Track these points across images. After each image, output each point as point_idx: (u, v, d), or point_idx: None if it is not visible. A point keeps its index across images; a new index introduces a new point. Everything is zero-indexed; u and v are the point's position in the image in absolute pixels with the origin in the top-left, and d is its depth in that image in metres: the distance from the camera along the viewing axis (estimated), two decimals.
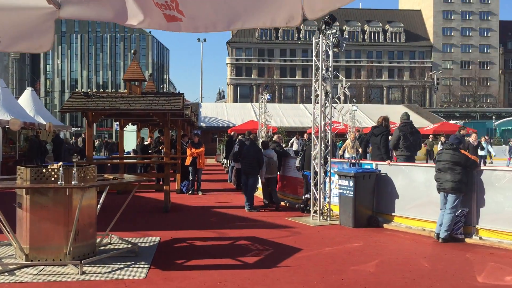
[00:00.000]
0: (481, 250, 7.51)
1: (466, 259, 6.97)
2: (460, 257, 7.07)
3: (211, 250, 7.50)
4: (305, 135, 19.89)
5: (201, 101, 59.36)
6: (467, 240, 8.06)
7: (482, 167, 8.46)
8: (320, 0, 3.17)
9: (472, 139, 15.48)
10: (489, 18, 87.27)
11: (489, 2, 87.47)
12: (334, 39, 10.06)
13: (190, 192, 14.61)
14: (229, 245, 7.84)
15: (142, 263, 6.52)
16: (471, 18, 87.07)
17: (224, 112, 48.44)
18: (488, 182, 8.11)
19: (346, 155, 17.79)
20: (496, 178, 8.09)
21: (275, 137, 14.34)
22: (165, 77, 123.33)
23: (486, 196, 8.10)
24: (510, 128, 50.53)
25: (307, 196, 11.05)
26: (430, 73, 79.47)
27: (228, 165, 20.31)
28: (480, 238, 8.03)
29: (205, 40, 61.54)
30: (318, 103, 10.37)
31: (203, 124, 44.11)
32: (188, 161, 14.57)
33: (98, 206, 7.26)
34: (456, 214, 8.05)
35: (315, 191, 10.31)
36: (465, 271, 6.30)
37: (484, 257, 7.04)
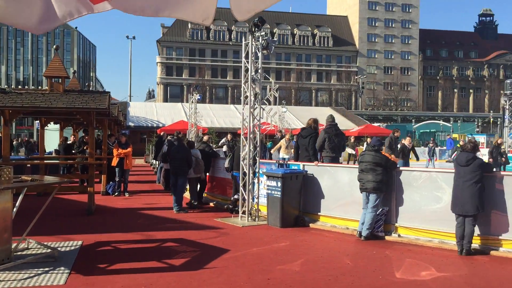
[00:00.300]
0: (400, 247, 7.89)
1: (386, 255, 7.29)
2: (381, 254, 7.38)
3: (136, 253, 7.31)
4: (229, 135, 19.87)
5: (130, 100, 57.87)
6: (387, 237, 8.44)
7: (401, 168, 8.90)
8: (247, 1, 3.19)
9: (407, 142, 16.26)
10: (410, 26, 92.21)
11: (410, 11, 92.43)
12: (263, 41, 10.16)
13: (116, 193, 14.17)
14: (155, 248, 7.69)
15: (62, 268, 6.23)
16: (393, 25, 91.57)
17: (154, 111, 47.55)
18: (407, 182, 8.55)
19: (280, 155, 18.04)
20: (414, 178, 8.54)
21: (205, 137, 14.27)
22: (91, 74, 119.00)
23: (404, 196, 8.53)
24: (428, 131, 53.63)
25: (236, 196, 11.08)
26: (356, 77, 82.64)
27: (157, 166, 19.94)
28: (399, 235, 8.44)
29: (134, 37, 60.05)
30: (247, 104, 10.44)
31: (131, 124, 43.02)
32: (114, 161, 14.14)
33: (14, 209, 6.84)
34: (377, 213, 8.41)
35: (243, 192, 10.37)
36: (385, 267, 6.59)
37: (402, 254, 7.40)
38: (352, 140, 23.83)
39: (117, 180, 14.29)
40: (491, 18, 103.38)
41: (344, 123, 44.83)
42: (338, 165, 10.30)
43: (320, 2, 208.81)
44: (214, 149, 14.81)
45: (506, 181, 7.53)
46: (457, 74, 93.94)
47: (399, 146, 15.99)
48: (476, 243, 7.51)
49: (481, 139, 42.84)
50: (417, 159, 18.06)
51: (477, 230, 7.49)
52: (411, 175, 8.63)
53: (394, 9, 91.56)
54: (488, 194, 7.48)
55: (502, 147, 20.33)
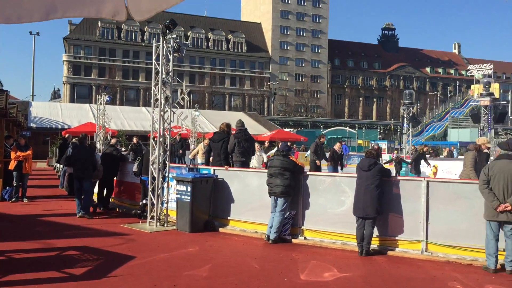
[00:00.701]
0: (306, 249, 8.13)
1: (292, 258, 7.48)
2: (287, 256, 7.56)
3: (34, 263, 6.86)
4: (134, 139, 19.30)
5: (32, 100, 54.42)
6: (294, 240, 8.67)
7: (308, 173, 9.19)
8: (145, 1, 3.10)
9: (337, 147, 16.81)
10: (319, 36, 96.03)
11: (320, 21, 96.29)
12: (175, 44, 10.03)
13: (13, 199, 13.22)
14: (55, 257, 7.26)
15: None
16: (304, 35, 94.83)
17: (59, 112, 45.09)
18: (313, 186, 8.84)
19: (198, 160, 17.85)
20: (320, 182, 8.87)
21: (112, 140, 13.77)
22: None
23: (311, 199, 8.81)
24: (335, 136, 56.07)
25: (144, 201, 10.80)
26: (269, 83, 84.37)
27: (60, 169, 18.89)
28: (305, 238, 8.70)
29: (38, 33, 56.67)
30: (157, 107, 10.23)
31: (33, 125, 40.45)
32: (12, 165, 13.19)
33: None
34: (285, 216, 8.61)
35: (152, 197, 10.13)
36: (290, 269, 6.75)
37: (308, 256, 7.63)
38: (266, 145, 24.30)
39: (14, 185, 13.33)
40: (393, 32, 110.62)
41: (256, 128, 45.59)
42: (248, 169, 10.41)
43: (234, 8, 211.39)
44: (123, 153, 14.34)
45: (402, 186, 8.06)
46: (362, 84, 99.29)
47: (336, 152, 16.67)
48: (375, 244, 7.94)
49: (383, 145, 45.68)
50: (342, 166, 18.74)
51: (376, 232, 7.93)
52: (317, 179, 8.95)
53: (305, 19, 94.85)
54: (386, 198, 7.96)
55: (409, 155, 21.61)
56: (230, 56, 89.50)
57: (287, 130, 49.01)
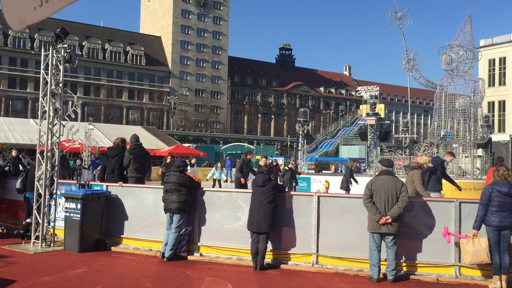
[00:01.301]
0: (201, 265, 8.07)
1: (186, 275, 7.38)
2: (182, 274, 7.44)
3: None
4: (13, 152, 17.66)
5: None
6: (189, 257, 8.57)
7: (204, 189, 9.16)
8: (19, 11, 2.94)
9: (262, 163, 16.72)
10: (220, 53, 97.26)
11: (220, 38, 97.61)
12: (66, 54, 9.55)
13: None
14: None
15: None
16: (205, 50, 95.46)
17: None
18: (210, 202, 8.84)
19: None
20: (217, 198, 8.89)
21: None
22: None
23: (207, 215, 8.79)
24: (234, 152, 56.74)
25: (28, 220, 10.04)
26: (168, 97, 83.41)
27: None
28: (201, 254, 8.64)
29: None
30: (45, 119, 9.62)
31: None
32: None
33: None
34: (181, 233, 8.49)
35: (37, 215, 9.45)
36: (184, 287, 6.64)
37: (203, 272, 7.58)
38: (168, 160, 23.85)
39: None
40: (290, 52, 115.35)
41: (155, 143, 44.66)
42: (143, 185, 10.14)
43: (133, 20, 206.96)
44: (4, 168, 13.26)
45: (295, 201, 8.35)
46: (261, 101, 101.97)
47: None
48: (269, 258, 8.11)
49: (280, 161, 47.04)
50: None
51: (270, 246, 8.11)
52: (214, 195, 8.97)
53: (205, 35, 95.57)
54: (280, 213, 8.19)
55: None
56: (129, 69, 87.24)
57: (186, 145, 48.66)
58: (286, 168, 20.43)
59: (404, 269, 7.62)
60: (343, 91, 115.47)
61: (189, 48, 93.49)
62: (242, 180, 15.36)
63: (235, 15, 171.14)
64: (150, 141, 42.87)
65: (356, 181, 18.50)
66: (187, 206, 8.52)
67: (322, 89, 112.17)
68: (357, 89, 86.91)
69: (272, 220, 7.89)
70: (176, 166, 8.92)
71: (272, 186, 8.08)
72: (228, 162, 29.23)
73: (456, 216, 7.55)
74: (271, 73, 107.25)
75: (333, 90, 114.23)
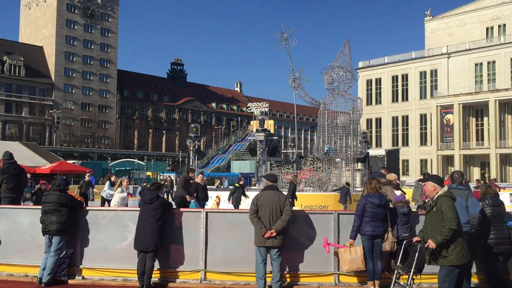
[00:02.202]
0: None
1: None
2: None
3: None
4: None
5: None
6: (70, 281, 8.09)
7: (88, 208, 8.75)
8: None
9: (199, 180, 15.91)
10: (108, 66, 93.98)
11: (109, 51, 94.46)
12: None
13: None
14: None
15: None
16: (92, 63, 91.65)
17: None
18: (94, 222, 8.45)
19: None
20: (101, 217, 8.53)
21: None
22: None
23: (91, 236, 8.39)
24: (123, 168, 54.88)
25: None
26: (51, 111, 78.50)
27: None
28: (83, 277, 8.21)
29: None
30: None
31: None
32: None
33: None
34: (61, 256, 8.01)
35: None
36: None
37: None
38: (87, 178, 21.77)
39: None
40: (182, 67, 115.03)
41: (35, 160, 41.60)
42: (18, 206, 9.41)
43: (11, 28, 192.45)
44: None
45: (184, 217, 8.31)
46: (152, 116, 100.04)
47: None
48: (156, 277, 7.95)
49: (172, 176, 46.43)
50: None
51: (157, 264, 7.96)
52: (98, 214, 8.60)
53: (93, 47, 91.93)
54: (168, 230, 8.08)
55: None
56: (6, 80, 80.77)
57: (71, 161, 46.03)
58: (237, 185, 19.90)
59: (288, 280, 7.91)
60: (235, 107, 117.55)
61: (74, 59, 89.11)
62: (188, 198, 14.23)
63: (124, 27, 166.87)
64: (29, 158, 39.87)
65: (246, 196, 18.89)
66: (68, 227, 8.07)
67: (214, 104, 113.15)
68: (248, 105, 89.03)
69: (159, 238, 7.76)
70: (56, 185, 8.41)
71: (160, 204, 7.97)
72: (92, 178, 26.24)
73: (335, 227, 8.04)
74: (162, 88, 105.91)
75: (224, 106, 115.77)
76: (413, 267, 6.31)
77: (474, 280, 7.85)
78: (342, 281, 7.97)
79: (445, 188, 6.24)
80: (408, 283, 6.34)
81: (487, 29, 65.40)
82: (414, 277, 6.47)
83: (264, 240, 7.36)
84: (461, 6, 69.13)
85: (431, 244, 5.95)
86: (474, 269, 7.68)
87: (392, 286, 6.44)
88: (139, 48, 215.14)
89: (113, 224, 8.44)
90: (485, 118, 59.48)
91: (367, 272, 7.53)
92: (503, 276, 7.65)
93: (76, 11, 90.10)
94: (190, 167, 30.75)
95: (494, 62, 61.10)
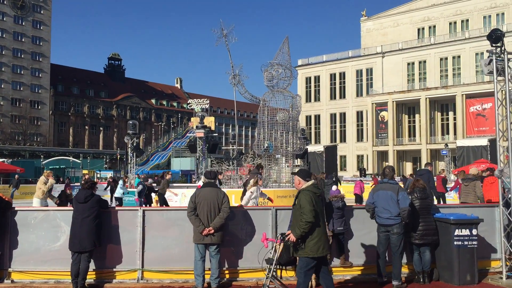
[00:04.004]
0: None
1: None
2: None
3: None
4: None
5: None
6: None
7: (17, 208, 8.35)
8: None
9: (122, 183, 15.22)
10: (40, 60, 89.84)
11: (41, 44, 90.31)
12: None
13: None
14: None
15: None
16: (23, 56, 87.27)
17: None
18: (24, 223, 8.07)
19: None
20: (32, 217, 8.15)
21: None
22: None
23: (20, 237, 8.01)
24: (58, 167, 52.75)
25: None
26: None
27: None
28: (12, 281, 7.84)
29: None
30: None
31: None
32: None
33: None
34: None
35: None
36: None
37: None
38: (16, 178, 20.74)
39: None
40: (119, 62, 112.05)
41: None
42: None
43: None
44: None
45: (120, 216, 8.11)
46: (88, 112, 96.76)
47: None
48: (91, 278, 7.73)
49: (108, 174, 45.23)
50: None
51: (93, 265, 7.73)
52: (29, 214, 8.22)
53: (23, 40, 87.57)
54: (104, 229, 7.86)
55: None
56: None
57: (0, 160, 43.68)
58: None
59: (227, 276, 7.94)
60: (175, 104, 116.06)
61: (3, 53, 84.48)
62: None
63: (58, 20, 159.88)
64: None
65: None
66: None
67: (153, 101, 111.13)
68: (188, 102, 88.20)
69: (97, 237, 7.55)
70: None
71: (95, 202, 7.74)
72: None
73: (273, 222, 8.14)
74: (99, 83, 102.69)
75: (164, 102, 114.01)
76: (274, 261, 6.47)
77: (404, 270, 8.23)
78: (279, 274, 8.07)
79: (309, 182, 6.34)
80: (269, 276, 6.46)
81: (418, 30, 68.49)
82: (279, 270, 6.63)
83: (203, 237, 7.33)
84: (394, 7, 71.97)
85: (291, 237, 6.14)
86: (404, 260, 8.05)
87: (265, 280, 6.60)
88: (74, 42, 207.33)
89: (45, 224, 8.10)
90: (417, 115, 62.33)
91: None
92: (431, 265, 8.07)
93: (5, 2, 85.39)
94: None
95: (425, 61, 64.14)
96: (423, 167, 57.97)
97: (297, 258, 6.28)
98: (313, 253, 6.04)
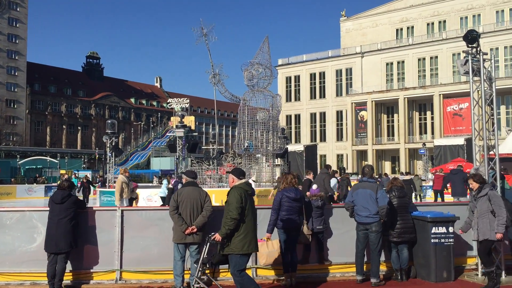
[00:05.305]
0: None
1: None
2: None
3: None
4: None
5: None
6: None
7: None
8: None
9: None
10: (16, 58, 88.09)
11: (17, 42, 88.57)
12: None
13: None
14: None
15: None
16: None
17: None
18: None
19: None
20: (7, 218, 8.00)
21: None
22: None
23: None
24: (35, 167, 51.87)
25: None
26: None
27: None
28: None
29: None
30: None
31: None
32: None
33: None
34: None
35: None
36: None
37: None
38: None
39: None
40: (98, 61, 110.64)
41: None
42: None
43: None
44: None
45: (98, 216, 8.01)
46: (66, 111, 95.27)
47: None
48: (68, 279, 7.62)
49: (88, 174, 44.61)
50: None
51: (70, 266, 7.62)
52: (4, 215, 8.06)
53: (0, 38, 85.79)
54: (82, 230, 7.76)
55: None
56: None
57: None
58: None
59: (209, 274, 7.90)
60: (155, 103, 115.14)
61: None
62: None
63: (35, 17, 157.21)
64: None
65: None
66: None
67: (132, 100, 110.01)
68: (168, 101, 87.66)
69: (73, 239, 7.45)
70: None
71: (72, 202, 7.64)
72: None
73: None
74: (77, 82, 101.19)
75: (144, 102, 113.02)
76: (201, 261, 6.57)
77: (383, 267, 8.31)
78: (259, 274, 8.10)
79: (242, 181, 6.38)
80: (197, 276, 6.59)
81: (397, 30, 69.32)
82: (208, 270, 6.80)
83: (184, 237, 7.27)
84: (373, 8, 72.69)
85: (217, 237, 6.20)
86: (382, 258, 8.14)
87: (194, 279, 6.72)
88: (51, 40, 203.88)
89: (21, 225, 7.95)
90: (395, 115, 63.09)
91: (283, 264, 7.71)
92: (408, 263, 8.17)
93: None
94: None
95: (403, 62, 64.93)
96: (401, 166, 58.74)
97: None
98: (238, 250, 6.06)
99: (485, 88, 8.49)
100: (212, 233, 6.53)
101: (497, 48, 56.60)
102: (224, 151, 52.91)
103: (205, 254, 6.62)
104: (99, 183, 31.24)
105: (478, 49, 8.44)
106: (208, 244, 6.62)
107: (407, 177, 22.84)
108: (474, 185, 7.79)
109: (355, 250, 7.98)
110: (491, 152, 8.71)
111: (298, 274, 7.80)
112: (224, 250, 6.16)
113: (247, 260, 6.22)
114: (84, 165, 62.09)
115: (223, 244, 6.14)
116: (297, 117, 72.84)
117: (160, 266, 7.83)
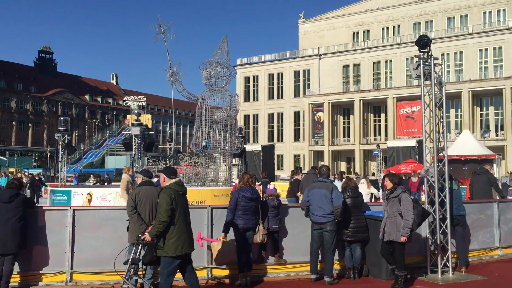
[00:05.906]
0: None
1: None
2: None
3: None
4: None
5: None
6: None
7: None
8: None
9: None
10: None
11: None
12: None
13: None
14: None
15: None
16: None
17: None
18: None
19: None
20: None
21: None
22: None
23: None
24: None
25: None
26: None
27: None
28: None
29: None
30: None
31: None
32: None
33: None
34: None
35: None
36: None
37: None
38: None
39: None
40: (51, 56, 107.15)
41: None
42: None
43: None
44: None
45: (48, 216, 7.77)
46: (16, 107, 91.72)
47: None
48: (15, 281, 7.35)
49: (35, 173, 43.15)
50: None
51: (17, 268, 7.36)
52: None
53: None
54: (31, 230, 7.50)
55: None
56: None
57: None
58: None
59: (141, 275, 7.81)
60: (110, 100, 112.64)
61: None
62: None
63: None
64: None
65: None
66: None
67: (87, 97, 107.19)
68: (124, 99, 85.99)
69: (22, 239, 7.19)
70: None
71: (20, 201, 7.38)
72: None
73: (209, 221, 8.11)
74: (28, 77, 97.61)
75: (99, 99, 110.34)
76: (130, 261, 6.61)
77: (336, 266, 8.46)
78: (214, 274, 8.07)
79: (173, 180, 6.34)
80: (127, 277, 6.62)
81: (353, 33, 70.71)
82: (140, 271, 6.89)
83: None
84: (331, 11, 73.87)
85: (147, 237, 6.25)
86: (336, 256, 8.28)
87: (124, 280, 6.75)
88: (1, 33, 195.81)
89: None
90: (351, 117, 64.37)
91: (238, 264, 7.71)
92: (361, 262, 8.35)
93: None
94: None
95: (359, 64, 66.35)
96: (356, 167, 59.98)
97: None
98: (171, 252, 6.04)
99: (436, 92, 8.78)
100: (143, 234, 6.46)
101: (447, 54, 58.76)
102: (181, 150, 52.40)
103: (138, 255, 6.54)
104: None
105: (430, 54, 8.71)
106: (140, 245, 6.55)
107: (373, 178, 23.27)
108: (388, 184, 7.94)
109: (310, 249, 8.08)
110: (441, 154, 9.03)
111: (253, 274, 7.83)
112: (157, 252, 6.10)
113: (179, 261, 6.16)
114: (35, 163, 60.08)
115: (155, 245, 6.08)
116: (255, 117, 73.10)
117: (112, 267, 7.64)
